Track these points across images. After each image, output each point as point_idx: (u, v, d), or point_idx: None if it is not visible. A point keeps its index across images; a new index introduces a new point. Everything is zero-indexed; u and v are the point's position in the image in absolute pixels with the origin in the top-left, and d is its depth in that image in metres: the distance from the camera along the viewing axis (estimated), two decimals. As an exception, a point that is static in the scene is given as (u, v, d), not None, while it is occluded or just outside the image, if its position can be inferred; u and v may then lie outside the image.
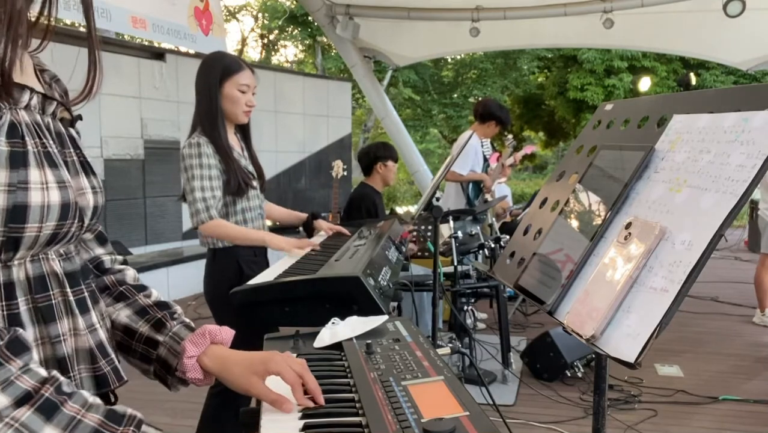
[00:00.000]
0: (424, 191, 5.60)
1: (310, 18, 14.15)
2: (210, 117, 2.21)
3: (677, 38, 7.53)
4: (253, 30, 21.64)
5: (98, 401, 0.71)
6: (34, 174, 0.74)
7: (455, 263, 3.68)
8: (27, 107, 0.78)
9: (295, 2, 17.24)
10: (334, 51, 16.33)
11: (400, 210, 11.39)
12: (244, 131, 2.39)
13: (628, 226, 0.94)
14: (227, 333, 1.00)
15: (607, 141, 1.18)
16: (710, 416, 3.27)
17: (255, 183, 2.33)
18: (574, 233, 1.10)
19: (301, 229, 2.72)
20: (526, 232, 1.26)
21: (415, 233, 3.87)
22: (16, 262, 0.75)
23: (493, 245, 4.17)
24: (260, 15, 20.43)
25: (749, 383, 3.77)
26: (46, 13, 0.83)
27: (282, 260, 2.14)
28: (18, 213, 0.72)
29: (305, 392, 0.92)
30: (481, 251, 4.20)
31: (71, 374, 0.79)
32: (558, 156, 25.07)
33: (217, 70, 2.22)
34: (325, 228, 2.61)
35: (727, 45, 7.26)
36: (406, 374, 0.98)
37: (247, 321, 1.85)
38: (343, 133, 9.41)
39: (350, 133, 9.77)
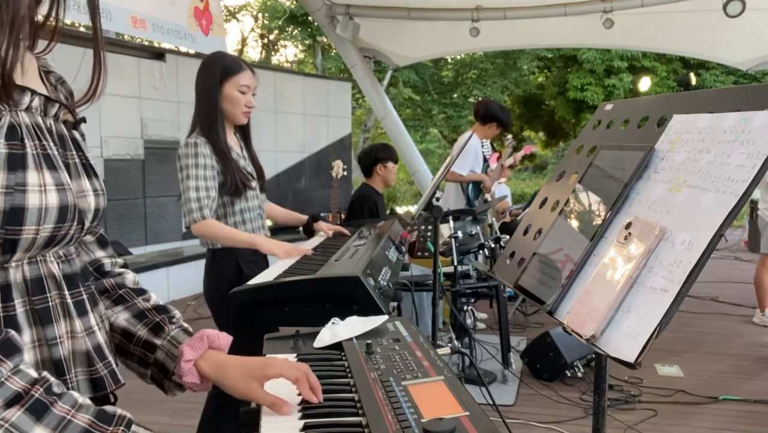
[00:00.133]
0: (424, 191, 5.60)
1: (310, 18, 14.15)
2: (209, 117, 2.21)
3: (677, 38, 7.53)
4: (253, 30, 21.67)
5: (88, 401, 0.71)
6: (32, 176, 0.74)
7: (455, 263, 3.68)
8: (28, 109, 0.78)
9: (295, 2, 17.24)
10: (334, 51, 16.33)
11: (400, 210, 11.38)
12: (243, 131, 2.38)
13: (628, 226, 0.94)
14: (225, 339, 1.00)
15: (607, 141, 1.18)
16: (710, 416, 3.27)
17: (254, 183, 2.33)
18: (574, 233, 1.10)
19: (300, 230, 2.72)
20: (526, 232, 1.26)
21: (415, 236, 3.87)
22: (13, 264, 0.75)
23: (493, 245, 4.17)
24: (260, 15, 20.44)
25: (749, 383, 3.77)
26: (53, 15, 0.83)
27: (281, 260, 2.14)
28: (15, 215, 0.72)
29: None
30: (481, 251, 4.20)
31: (67, 377, 0.79)
32: (558, 156, 25.07)
33: (217, 71, 2.21)
34: (325, 229, 2.61)
35: (727, 45, 7.26)
36: (406, 374, 0.98)
37: (247, 321, 1.84)
38: (343, 133, 9.41)
39: (350, 133, 9.77)
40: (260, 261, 2.29)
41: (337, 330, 1.18)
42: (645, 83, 13.46)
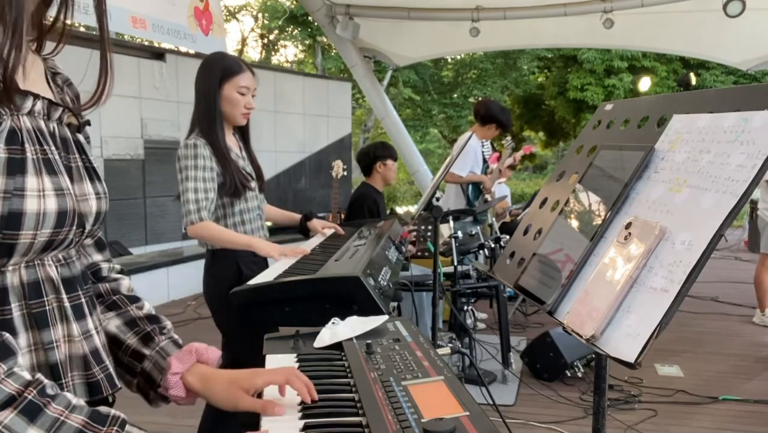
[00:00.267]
0: (424, 191, 5.60)
1: (310, 18, 14.15)
2: (208, 118, 2.21)
3: (677, 38, 7.53)
4: (253, 30, 21.66)
5: (82, 402, 0.71)
6: (31, 181, 0.74)
7: (455, 263, 3.68)
8: (30, 113, 0.78)
9: (295, 2, 17.24)
10: (334, 51, 16.32)
11: (400, 210, 11.38)
12: (242, 132, 2.38)
13: (628, 226, 0.94)
14: (214, 353, 0.99)
15: (607, 141, 1.18)
16: (710, 416, 3.27)
17: (253, 184, 2.32)
18: (574, 233, 1.10)
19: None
20: (526, 232, 1.26)
21: (414, 234, 3.87)
22: (10, 267, 0.75)
23: (493, 245, 4.17)
24: (260, 15, 20.44)
25: (749, 383, 3.77)
26: (62, 17, 0.83)
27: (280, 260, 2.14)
28: (13, 220, 0.72)
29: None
30: (481, 251, 4.20)
31: (64, 381, 0.79)
32: (558, 156, 25.06)
33: (217, 72, 2.21)
34: (318, 228, 2.61)
35: (727, 45, 7.26)
36: (406, 374, 0.98)
37: (246, 321, 1.84)
38: (343, 133, 9.41)
39: (350, 133, 9.77)
40: (260, 261, 2.29)
41: (337, 330, 1.18)
42: (645, 83, 13.46)
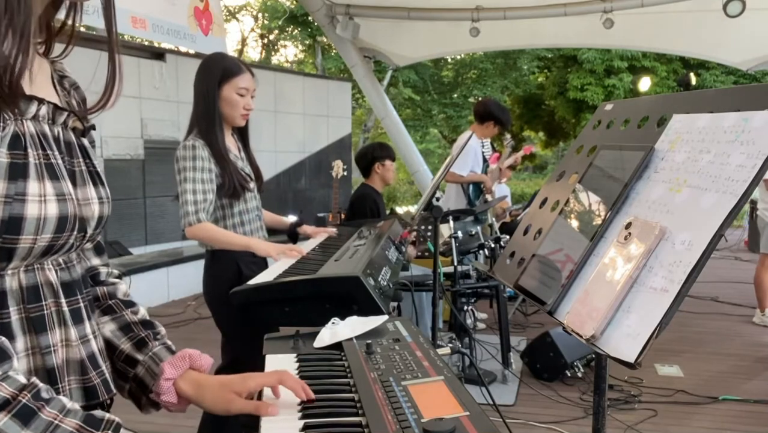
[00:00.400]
0: (424, 191, 5.60)
1: (310, 18, 14.15)
2: (207, 119, 2.20)
3: (677, 38, 7.52)
4: (253, 30, 21.67)
5: (76, 406, 0.71)
6: (32, 186, 0.74)
7: (455, 263, 3.68)
8: (35, 117, 0.78)
9: (295, 2, 17.24)
10: (334, 51, 16.32)
11: (400, 210, 11.38)
12: (241, 132, 2.38)
13: (628, 226, 0.94)
14: (207, 360, 0.99)
15: (607, 141, 1.18)
16: (710, 416, 3.27)
17: (252, 185, 2.32)
18: (574, 233, 1.10)
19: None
20: (526, 232, 1.26)
21: (414, 235, 3.87)
22: (9, 271, 0.75)
23: (493, 245, 4.17)
24: (260, 15, 20.44)
25: (749, 383, 3.77)
26: (70, 20, 0.83)
27: (280, 260, 2.14)
28: (13, 224, 0.72)
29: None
30: (481, 251, 4.20)
31: (60, 385, 0.79)
32: (558, 156, 25.06)
33: (216, 73, 2.21)
34: (310, 232, 2.61)
35: (727, 45, 7.25)
36: (406, 374, 0.98)
37: (246, 321, 1.84)
38: (343, 133, 9.41)
39: (350, 133, 9.77)
40: (259, 261, 2.29)
41: (337, 330, 1.18)
42: (645, 83, 13.46)
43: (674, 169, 0.95)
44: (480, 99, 7.80)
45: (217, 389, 0.93)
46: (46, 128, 0.80)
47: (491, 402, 1.23)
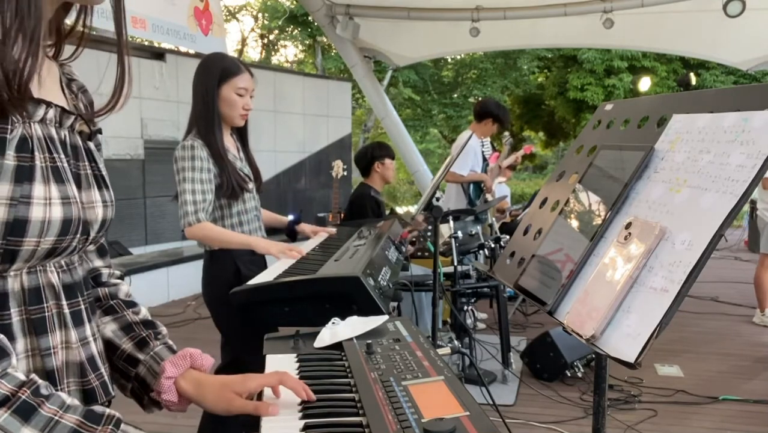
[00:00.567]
0: (424, 191, 5.60)
1: (310, 18, 14.14)
2: (206, 119, 2.20)
3: (677, 38, 7.52)
4: (253, 30, 21.67)
5: (76, 402, 0.71)
6: (38, 189, 0.74)
7: (455, 263, 3.68)
8: (42, 120, 0.78)
9: (295, 2, 17.24)
10: (334, 51, 16.32)
11: (400, 210, 11.38)
12: (240, 132, 2.37)
13: (628, 226, 0.94)
14: (208, 360, 1.00)
15: (607, 141, 1.18)
16: (710, 416, 3.27)
17: (250, 185, 2.32)
18: (574, 233, 1.10)
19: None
20: (526, 232, 1.26)
21: (414, 235, 3.87)
22: (11, 273, 0.75)
23: (493, 245, 4.17)
24: (260, 15, 20.44)
25: (749, 383, 3.77)
26: (80, 23, 0.83)
27: (280, 260, 2.14)
28: (17, 227, 0.72)
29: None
30: (481, 251, 4.20)
31: (59, 387, 0.79)
32: (558, 156, 25.06)
33: (215, 73, 2.20)
34: (308, 231, 2.61)
35: (727, 45, 7.25)
36: (407, 374, 0.98)
37: (246, 321, 1.84)
38: (343, 133, 9.41)
39: (350, 133, 9.77)
40: (258, 261, 2.29)
41: (337, 330, 1.18)
42: (645, 83, 13.45)
43: (674, 169, 0.95)
44: (479, 99, 7.80)
45: (218, 389, 0.93)
46: (53, 131, 0.80)
47: (491, 402, 1.23)
